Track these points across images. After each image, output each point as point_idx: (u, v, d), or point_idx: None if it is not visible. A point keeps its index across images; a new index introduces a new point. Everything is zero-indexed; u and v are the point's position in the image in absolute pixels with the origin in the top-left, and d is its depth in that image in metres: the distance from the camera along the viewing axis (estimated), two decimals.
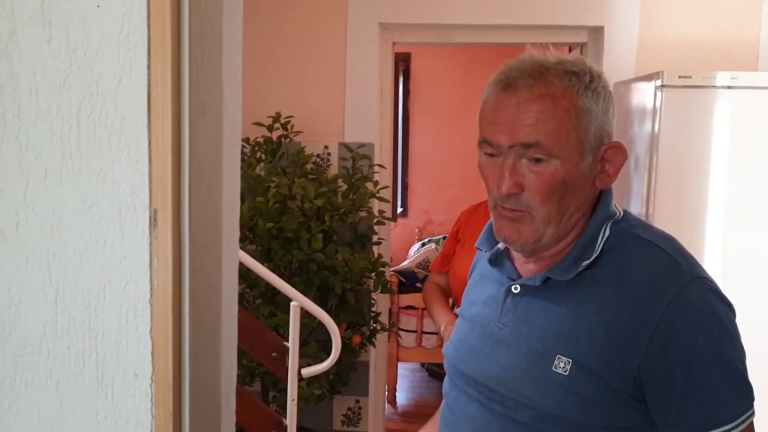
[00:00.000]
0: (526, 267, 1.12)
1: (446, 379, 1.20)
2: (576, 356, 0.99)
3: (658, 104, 2.37)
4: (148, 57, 0.80)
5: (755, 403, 0.98)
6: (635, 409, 0.98)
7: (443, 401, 1.20)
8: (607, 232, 1.05)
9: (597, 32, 3.06)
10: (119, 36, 0.80)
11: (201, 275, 0.88)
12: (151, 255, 0.83)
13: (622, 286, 0.99)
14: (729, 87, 2.35)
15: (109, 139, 0.82)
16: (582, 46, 3.14)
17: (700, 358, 0.95)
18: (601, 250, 1.03)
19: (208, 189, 0.89)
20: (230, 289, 0.95)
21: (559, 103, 0.99)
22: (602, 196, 1.08)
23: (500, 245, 1.15)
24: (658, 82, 2.37)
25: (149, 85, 0.81)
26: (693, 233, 2.37)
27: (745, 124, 2.39)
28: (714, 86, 2.36)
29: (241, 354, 2.42)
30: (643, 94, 2.50)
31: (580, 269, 1.02)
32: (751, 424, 0.97)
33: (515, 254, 1.14)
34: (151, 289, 0.84)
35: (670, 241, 1.05)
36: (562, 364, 0.99)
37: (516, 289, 1.09)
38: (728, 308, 0.99)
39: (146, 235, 0.83)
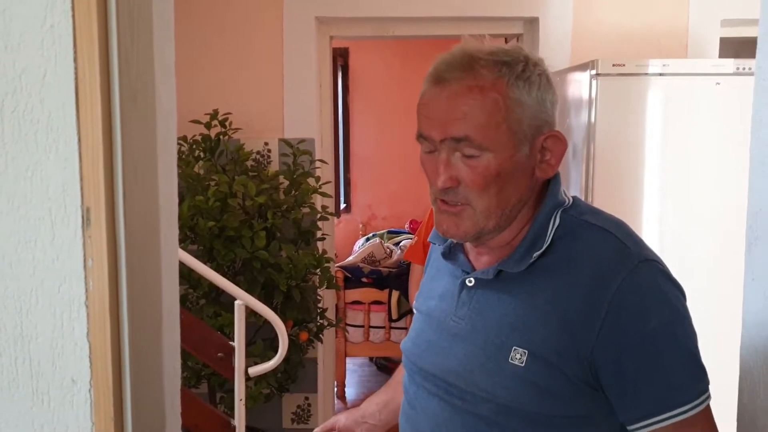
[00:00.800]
0: (480, 259, 1.11)
1: (405, 375, 1.19)
2: (531, 347, 0.98)
3: (593, 93, 2.41)
4: (74, 48, 0.77)
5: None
6: (592, 398, 0.98)
7: (403, 397, 1.19)
8: (557, 221, 1.04)
9: (532, 23, 3.10)
10: (42, 28, 0.77)
11: (139, 274, 0.85)
12: (85, 255, 0.80)
13: (572, 273, 1.00)
14: (661, 74, 2.41)
15: (36, 135, 0.78)
16: (518, 36, 3.19)
17: (652, 340, 0.95)
18: (552, 239, 1.03)
19: (144, 184, 0.86)
20: (171, 287, 0.92)
21: (488, 95, 0.97)
22: (550, 185, 1.07)
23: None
24: (593, 71, 2.42)
25: (76, 78, 0.77)
26: (631, 220, 2.42)
27: (677, 109, 2.46)
28: (647, 74, 2.42)
29: (186, 356, 2.37)
30: (579, 84, 2.55)
31: (532, 260, 1.02)
32: (708, 408, 0.98)
33: (469, 247, 1.13)
34: (86, 290, 0.81)
35: (619, 225, 1.05)
36: (518, 356, 0.99)
37: (470, 282, 1.09)
38: (678, 290, 1.01)
39: (79, 234, 0.80)
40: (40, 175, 0.79)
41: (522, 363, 0.99)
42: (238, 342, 2.00)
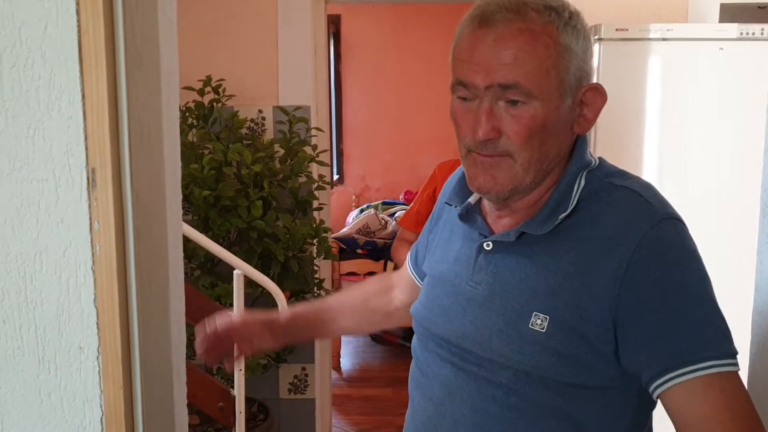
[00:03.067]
0: (500, 222, 1.08)
1: (415, 340, 1.16)
2: (553, 312, 0.96)
3: (597, 58, 2.38)
4: (77, 5, 0.73)
5: None
6: (614, 366, 0.96)
7: (413, 362, 1.16)
8: (583, 182, 1.01)
9: None
10: None
11: (146, 238, 0.82)
12: (90, 218, 0.77)
13: (595, 232, 0.97)
14: (664, 39, 2.38)
15: (38, 92, 0.75)
16: None
17: (675, 295, 0.92)
18: (577, 200, 1.00)
19: (149, 146, 0.83)
20: (176, 251, 0.90)
21: (540, 39, 0.92)
22: (576, 145, 1.04)
23: (471, 199, 1.11)
24: (596, 36, 2.38)
25: (80, 31, 0.74)
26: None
27: (680, 74, 2.44)
28: (650, 39, 2.39)
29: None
30: None
31: (557, 222, 0.99)
32: (737, 375, 0.91)
33: (488, 209, 1.10)
34: (92, 254, 0.78)
35: (647, 186, 1.02)
36: (539, 321, 0.96)
37: (488, 246, 1.05)
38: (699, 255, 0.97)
39: (84, 196, 0.77)
40: (43, 135, 0.75)
41: (543, 329, 0.96)
42: (238, 312, 1.97)
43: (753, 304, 1.23)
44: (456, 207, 1.12)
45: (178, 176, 0.94)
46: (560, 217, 0.99)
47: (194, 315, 2.04)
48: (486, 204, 1.11)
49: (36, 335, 0.80)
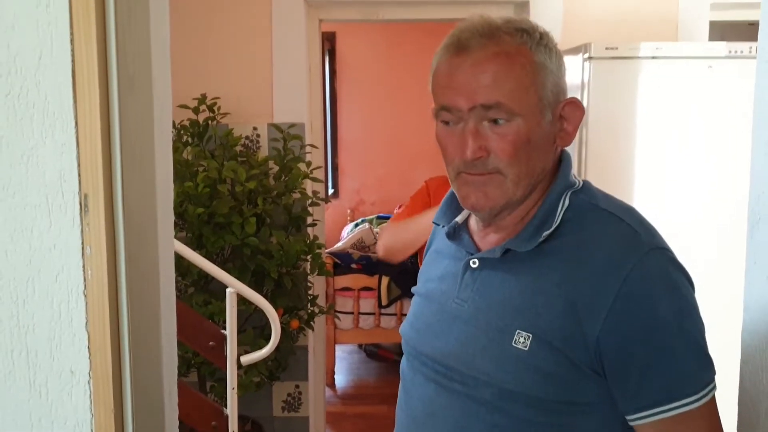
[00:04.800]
0: (486, 240, 1.10)
1: (404, 360, 1.17)
2: (536, 330, 0.97)
3: (586, 76, 2.40)
4: (71, 29, 0.75)
5: None
6: (597, 383, 0.97)
7: (400, 383, 1.18)
8: (567, 202, 1.03)
9: (522, 6, 3.08)
10: (38, 8, 0.74)
11: (138, 262, 0.83)
12: (83, 243, 0.78)
13: (581, 257, 0.98)
14: (654, 57, 2.41)
15: (32, 120, 0.76)
16: None
17: (660, 328, 0.94)
18: (560, 220, 1.02)
19: (141, 171, 0.84)
20: (167, 275, 0.91)
21: (515, 59, 0.97)
22: (561, 166, 1.07)
23: (458, 218, 1.13)
24: (586, 54, 2.40)
25: (73, 60, 0.75)
26: (626, 198, 2.42)
27: (670, 92, 2.45)
28: (639, 57, 2.42)
29: (177, 345, 2.34)
30: (571, 67, 2.53)
31: (541, 239, 1.01)
32: (713, 400, 0.97)
33: (474, 228, 1.12)
34: (84, 279, 0.79)
35: (630, 211, 1.04)
36: (522, 339, 0.98)
37: (475, 263, 1.07)
38: (687, 280, 1.00)
39: (77, 221, 0.78)
40: (36, 161, 0.76)
41: (526, 347, 0.97)
42: (230, 330, 1.98)
43: (742, 324, 1.24)
44: (443, 227, 1.14)
45: (170, 199, 0.95)
46: (544, 234, 1.01)
47: (187, 333, 2.04)
48: (473, 222, 1.13)
49: (27, 359, 0.80)
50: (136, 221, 0.83)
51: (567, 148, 1.10)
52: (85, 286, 0.79)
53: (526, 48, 0.97)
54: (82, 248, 0.78)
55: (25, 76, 0.75)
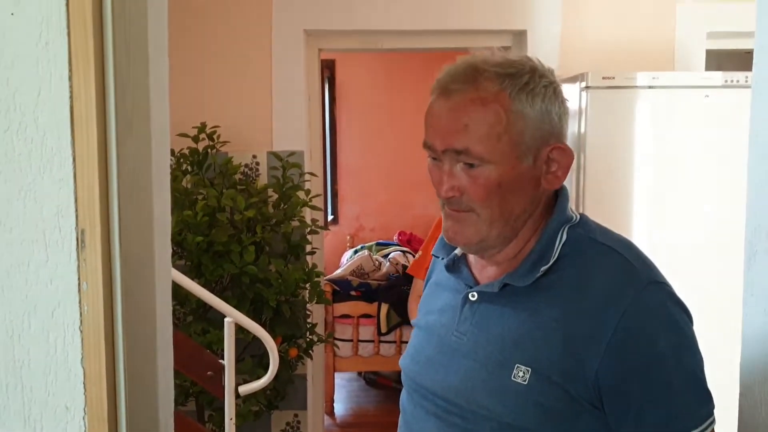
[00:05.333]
0: (485, 273, 1.10)
1: (404, 393, 1.17)
2: (535, 365, 0.97)
3: (583, 105, 2.42)
4: (70, 67, 0.75)
5: None
6: (596, 417, 0.97)
7: (400, 416, 1.17)
8: (564, 237, 1.04)
9: (520, 36, 3.11)
10: (37, 45, 0.75)
11: (134, 298, 0.83)
12: (79, 278, 0.78)
13: (579, 291, 0.99)
14: (650, 87, 2.43)
15: (30, 155, 0.76)
16: (506, 49, 3.19)
17: (659, 363, 0.94)
18: (558, 255, 1.02)
19: (139, 206, 0.84)
20: (164, 310, 0.90)
21: (490, 107, 0.97)
22: (558, 200, 1.07)
23: (457, 251, 1.14)
24: (583, 84, 2.42)
25: (72, 97, 0.76)
26: (620, 230, 2.42)
27: (666, 121, 2.47)
28: (636, 86, 2.44)
29: (175, 374, 2.33)
30: (568, 96, 2.55)
31: (538, 275, 1.01)
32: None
33: (473, 260, 1.13)
34: (80, 314, 0.79)
35: (628, 245, 1.05)
36: (521, 374, 0.98)
37: (473, 296, 1.07)
38: (686, 314, 1.00)
39: (74, 257, 0.78)
40: (34, 197, 0.77)
41: (525, 381, 0.97)
42: (228, 360, 1.97)
43: (740, 358, 1.23)
44: (443, 259, 1.14)
45: (168, 235, 0.95)
46: (542, 269, 1.01)
47: (185, 363, 2.03)
48: (471, 255, 1.13)
49: (22, 395, 0.80)
50: (133, 257, 0.83)
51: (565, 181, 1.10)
52: (81, 321, 0.79)
53: (504, 95, 0.97)
54: (79, 283, 0.78)
55: (23, 113, 0.75)
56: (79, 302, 0.79)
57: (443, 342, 1.09)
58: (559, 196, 1.08)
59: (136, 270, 0.83)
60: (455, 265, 1.13)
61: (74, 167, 0.76)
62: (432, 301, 1.18)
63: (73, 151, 0.76)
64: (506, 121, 0.97)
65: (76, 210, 0.77)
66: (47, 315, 0.79)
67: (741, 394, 1.24)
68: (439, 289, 1.17)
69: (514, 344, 1.00)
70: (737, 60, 3.73)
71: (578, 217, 1.07)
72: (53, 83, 0.75)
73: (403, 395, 1.17)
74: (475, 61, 1.01)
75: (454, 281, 1.13)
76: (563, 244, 1.03)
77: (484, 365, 1.02)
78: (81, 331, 0.79)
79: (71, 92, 0.76)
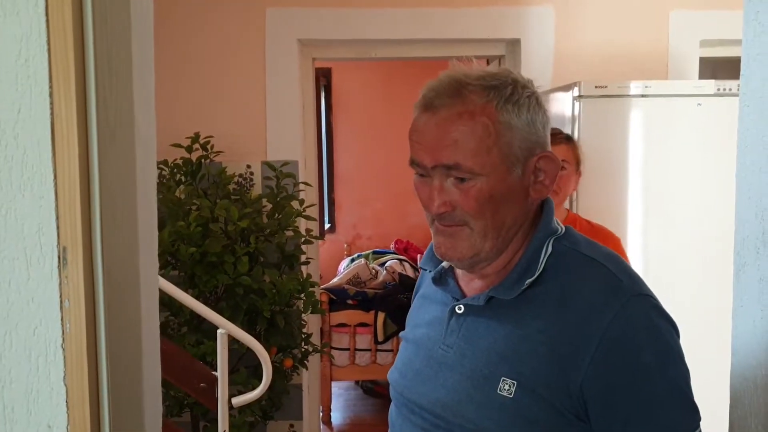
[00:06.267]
0: (471, 285, 1.10)
1: (392, 406, 1.17)
2: (520, 378, 0.97)
3: (576, 114, 2.42)
4: (50, 84, 0.75)
5: None
6: (582, 431, 0.97)
7: (389, 429, 1.17)
8: (550, 249, 1.03)
9: (514, 44, 3.11)
10: (17, 62, 0.75)
11: (118, 315, 0.82)
12: (61, 296, 0.78)
13: (564, 304, 0.98)
14: (643, 95, 2.43)
15: (10, 173, 0.76)
16: (500, 58, 3.20)
17: (644, 375, 0.94)
18: (543, 268, 1.02)
19: (122, 222, 0.84)
20: (150, 327, 0.90)
21: (478, 120, 0.97)
22: (543, 213, 1.07)
23: (444, 264, 1.13)
24: (576, 93, 2.42)
25: (52, 113, 0.75)
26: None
27: (659, 130, 2.47)
28: (629, 95, 2.44)
29: (169, 385, 2.32)
30: (561, 104, 2.55)
31: (524, 287, 1.01)
32: None
33: (459, 273, 1.12)
34: (63, 332, 0.78)
35: (613, 258, 1.04)
36: (506, 387, 0.97)
37: (460, 309, 1.07)
38: (671, 326, 0.99)
39: (55, 275, 0.77)
40: (15, 214, 0.76)
41: (510, 394, 0.97)
42: (221, 372, 1.96)
43: (730, 368, 1.23)
44: (430, 271, 1.14)
45: (154, 249, 0.94)
46: (527, 282, 1.01)
47: (177, 375, 2.03)
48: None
49: (4, 414, 0.79)
50: (117, 273, 0.82)
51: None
52: (63, 339, 0.78)
53: (491, 107, 0.98)
54: (61, 301, 0.78)
55: (3, 130, 0.75)
56: (61, 320, 0.78)
57: (431, 355, 1.09)
58: (544, 208, 1.08)
59: (120, 287, 0.83)
60: (442, 278, 1.13)
61: (55, 184, 0.76)
62: (420, 314, 1.18)
63: (54, 168, 0.76)
64: (495, 133, 0.97)
65: (58, 227, 0.77)
66: (29, 333, 0.78)
67: (731, 405, 1.23)
68: (427, 302, 1.17)
69: (499, 357, 0.99)
70: (731, 67, 3.74)
71: (563, 229, 1.07)
72: (33, 100, 0.75)
73: (392, 409, 1.16)
74: (457, 75, 1.00)
75: (441, 294, 1.13)
76: (548, 257, 1.03)
77: (470, 378, 1.01)
78: (63, 349, 0.78)
79: (52, 109, 0.75)
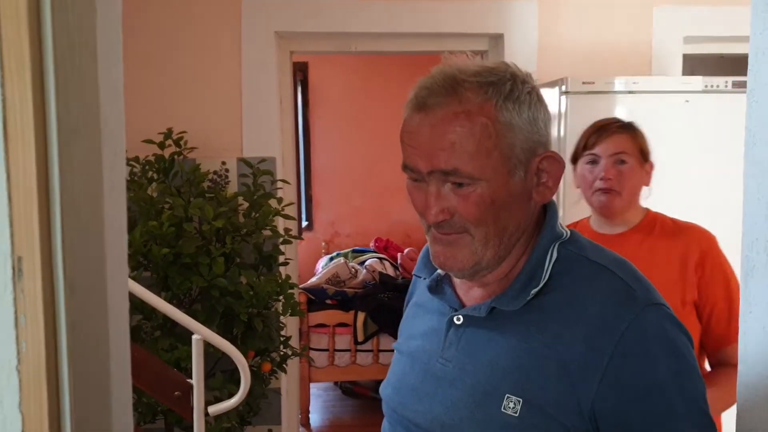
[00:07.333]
0: (470, 294, 1.02)
1: (385, 423, 1.09)
2: (526, 395, 0.90)
3: (563, 110, 2.37)
4: (2, 79, 0.66)
5: None
6: None
7: None
8: (555, 255, 0.96)
9: (497, 39, 3.05)
10: None
11: (82, 331, 0.73)
12: (16, 312, 0.69)
13: (572, 315, 0.92)
14: (630, 92, 2.39)
15: None
16: (482, 53, 3.14)
17: (659, 392, 0.88)
18: (549, 275, 0.95)
19: (87, 227, 0.75)
20: (120, 343, 0.81)
21: (476, 120, 0.89)
22: (547, 216, 1.00)
23: (440, 270, 1.05)
24: (563, 88, 2.37)
25: (4, 108, 0.66)
26: None
27: (647, 126, 2.43)
28: (616, 91, 2.40)
29: (141, 392, 2.22)
30: (547, 100, 2.49)
31: (529, 297, 0.94)
32: None
33: (457, 281, 1.05)
34: (18, 353, 0.69)
35: (623, 264, 0.97)
36: (511, 405, 0.90)
37: (459, 320, 0.99)
38: (686, 337, 0.93)
39: (9, 288, 0.68)
40: None
41: (516, 413, 0.90)
42: (197, 380, 1.87)
43: (738, 377, 1.17)
44: (425, 279, 1.06)
45: (124, 256, 0.85)
46: (532, 292, 0.94)
47: (150, 383, 1.93)
48: None
49: None
50: (81, 285, 0.73)
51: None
52: (18, 360, 0.69)
53: (490, 105, 0.90)
54: (16, 318, 0.69)
55: None
56: (17, 338, 0.69)
57: (427, 369, 1.01)
58: (547, 211, 1.01)
59: (84, 299, 0.74)
60: (438, 286, 1.05)
61: (8, 186, 0.67)
62: (414, 323, 1.10)
63: (7, 168, 0.67)
64: (495, 135, 0.90)
65: (12, 235, 0.68)
66: None
67: (738, 417, 1.17)
68: (421, 311, 1.09)
69: (503, 372, 0.92)
70: (714, 64, 3.73)
71: (568, 233, 1.00)
72: None
73: (385, 426, 1.08)
74: (451, 71, 0.92)
75: (437, 303, 1.05)
76: (554, 263, 0.96)
77: (471, 395, 0.94)
78: (18, 372, 0.69)
79: (4, 101, 0.66)
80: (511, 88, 0.91)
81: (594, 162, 1.79)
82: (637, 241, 1.76)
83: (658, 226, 1.79)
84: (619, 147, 1.76)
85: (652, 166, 1.83)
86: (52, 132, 0.69)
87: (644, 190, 1.82)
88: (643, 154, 1.80)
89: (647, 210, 1.86)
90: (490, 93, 0.90)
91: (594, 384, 0.88)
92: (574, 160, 1.86)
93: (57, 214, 0.70)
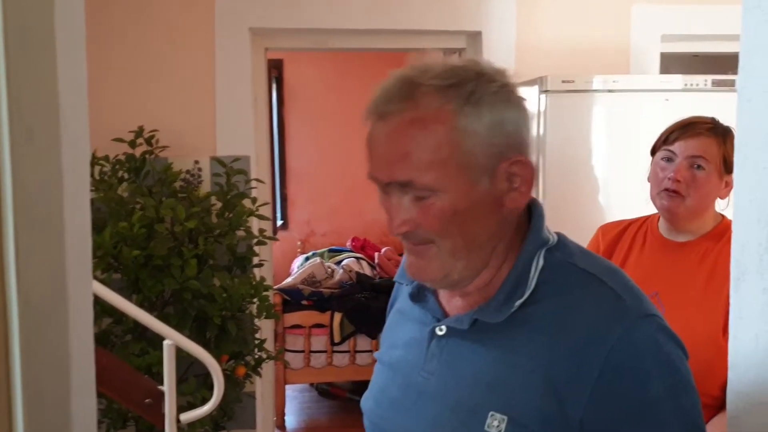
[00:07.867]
0: (453, 303, 0.97)
1: None
2: (511, 412, 0.86)
3: (542, 108, 2.35)
4: None
5: None
6: None
7: None
8: (541, 262, 0.91)
9: (475, 37, 3.02)
10: None
11: (39, 353, 0.68)
12: None
13: (560, 326, 0.87)
14: (610, 90, 2.38)
15: None
16: (460, 51, 3.10)
17: (653, 408, 0.84)
18: (535, 284, 0.90)
19: (45, 236, 0.69)
20: (84, 366, 0.75)
21: (431, 128, 0.84)
22: (533, 220, 0.95)
23: None
24: (543, 87, 2.35)
25: None
26: (579, 235, 2.36)
27: (626, 124, 2.45)
28: (596, 90, 2.38)
29: (111, 400, 2.16)
30: (527, 99, 2.48)
31: (513, 309, 0.89)
32: None
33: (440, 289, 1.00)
34: None
35: (614, 273, 0.93)
36: (496, 423, 0.86)
37: (441, 330, 0.95)
38: (680, 349, 0.90)
39: None
40: None
41: (500, 431, 0.85)
42: (168, 386, 1.81)
43: (728, 383, 1.15)
44: (406, 285, 1.01)
45: (88, 267, 0.79)
46: (516, 304, 0.89)
47: (120, 391, 1.86)
48: None
49: None
50: (37, 300, 0.68)
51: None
52: None
53: (448, 110, 0.84)
54: None
55: None
56: None
57: (409, 382, 0.96)
58: (532, 214, 0.95)
59: (41, 315, 0.68)
60: (420, 294, 1.00)
61: None
62: (396, 332, 1.05)
63: None
64: (451, 143, 0.84)
65: None
66: None
67: (729, 424, 1.15)
68: (403, 319, 1.04)
69: (487, 388, 0.88)
70: (689, 63, 3.74)
71: (555, 238, 0.95)
72: None
73: None
74: (411, 75, 0.87)
75: (420, 312, 1.00)
76: (540, 271, 0.91)
77: (454, 411, 0.90)
78: None
79: None
80: (472, 90, 0.85)
81: (670, 159, 1.63)
82: (700, 253, 1.60)
83: (728, 235, 1.67)
84: (699, 150, 1.59)
85: (731, 183, 1.62)
86: (3, 134, 0.64)
87: (718, 202, 1.65)
88: (726, 165, 1.59)
89: (722, 217, 1.67)
90: (448, 96, 0.84)
91: (582, 401, 0.84)
92: (653, 152, 1.71)
93: (10, 223, 0.64)
